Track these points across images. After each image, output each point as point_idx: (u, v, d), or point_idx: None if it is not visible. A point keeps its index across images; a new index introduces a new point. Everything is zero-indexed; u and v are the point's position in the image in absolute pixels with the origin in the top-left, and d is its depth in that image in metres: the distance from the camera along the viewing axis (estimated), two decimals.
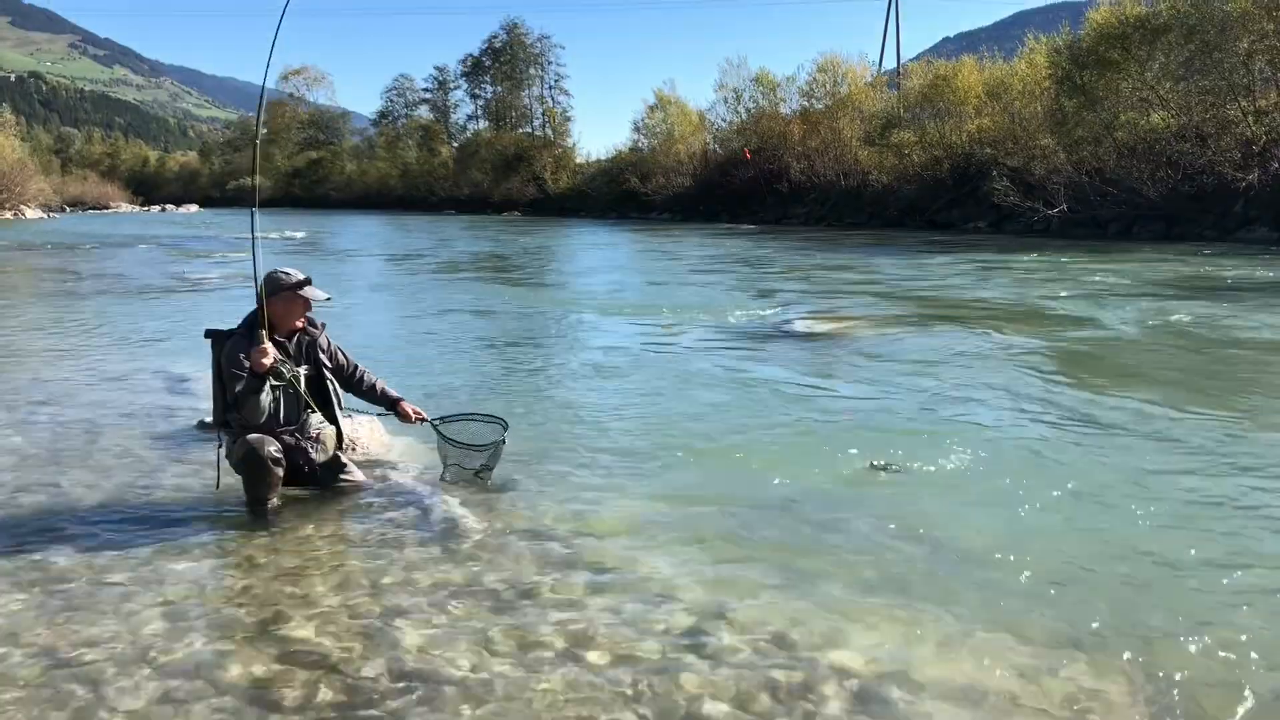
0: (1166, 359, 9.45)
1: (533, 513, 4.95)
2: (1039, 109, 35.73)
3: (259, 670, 3.33)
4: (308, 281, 5.10)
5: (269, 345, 4.84)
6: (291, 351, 5.11)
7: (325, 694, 3.17)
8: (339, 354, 5.38)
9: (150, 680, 3.25)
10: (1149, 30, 30.33)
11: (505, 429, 5.49)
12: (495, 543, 4.56)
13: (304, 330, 5.20)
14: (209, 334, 5.09)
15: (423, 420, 5.48)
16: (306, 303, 5.11)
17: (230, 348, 4.95)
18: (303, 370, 5.11)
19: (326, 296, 5.15)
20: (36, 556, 4.37)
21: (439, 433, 5.42)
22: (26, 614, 3.79)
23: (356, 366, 5.46)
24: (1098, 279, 17.20)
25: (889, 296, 15.54)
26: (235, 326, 5.09)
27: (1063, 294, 15.00)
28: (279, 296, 5.02)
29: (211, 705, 3.09)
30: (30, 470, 5.77)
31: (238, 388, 4.85)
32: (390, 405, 5.50)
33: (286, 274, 5.06)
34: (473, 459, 5.35)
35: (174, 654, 3.44)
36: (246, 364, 4.83)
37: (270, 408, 4.91)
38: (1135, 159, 30.20)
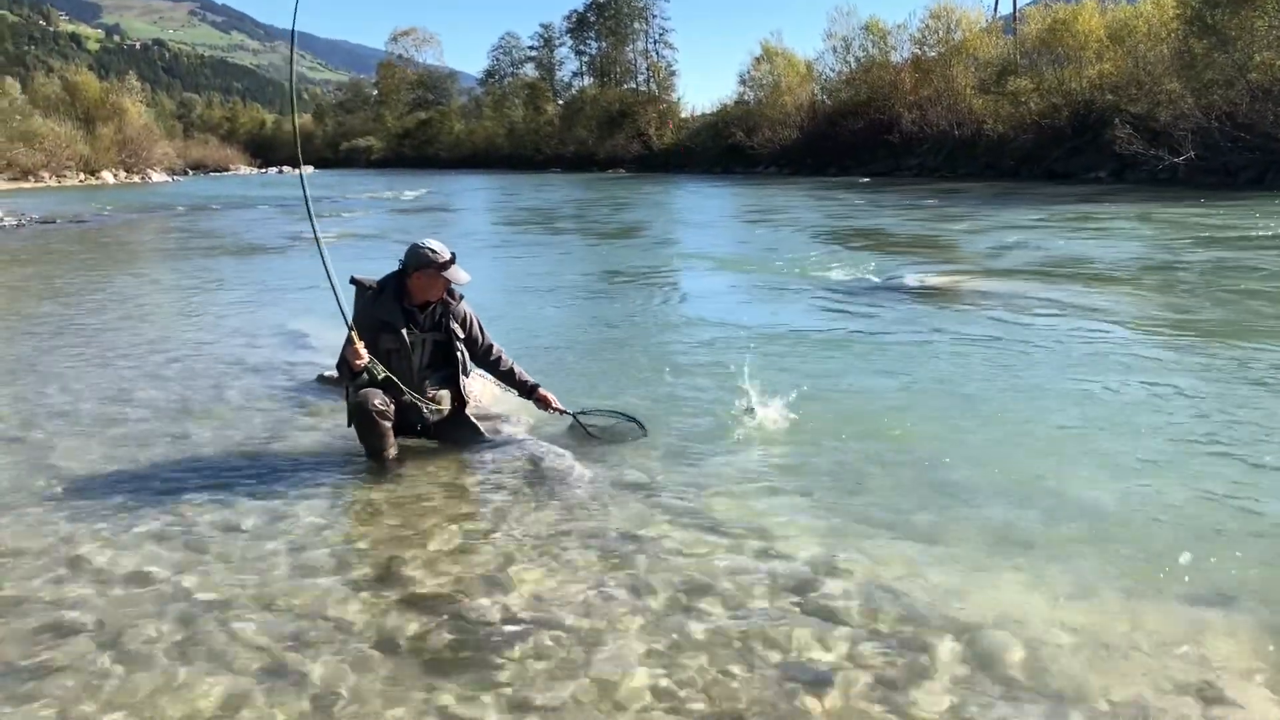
0: None
1: (644, 465, 4.98)
2: (1165, 51, 34.18)
3: (380, 613, 3.43)
4: (452, 261, 5.12)
5: (360, 347, 4.88)
6: (420, 319, 5.18)
7: (442, 636, 3.24)
8: (475, 327, 5.39)
9: (278, 622, 3.37)
10: None
11: (645, 432, 5.47)
12: (607, 493, 4.60)
13: (441, 300, 5.25)
14: (353, 281, 5.20)
15: (562, 412, 5.50)
16: (446, 282, 5.17)
17: (359, 309, 5.07)
18: (429, 336, 5.17)
19: (468, 278, 5.19)
20: (167, 503, 4.56)
21: (581, 425, 5.47)
22: (160, 558, 3.96)
23: (493, 346, 5.47)
24: (1230, 230, 16.44)
25: (1005, 251, 15.13)
26: (378, 281, 5.18)
27: (1191, 245, 14.39)
28: (423, 272, 5.09)
29: (336, 645, 3.19)
30: (161, 421, 6.02)
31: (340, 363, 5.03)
32: (527, 392, 5.51)
33: (434, 252, 5.08)
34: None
35: (300, 597, 3.56)
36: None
37: (369, 384, 4.99)
38: (1270, 102, 28.67)
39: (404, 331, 5.09)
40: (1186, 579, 3.55)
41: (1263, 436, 5.20)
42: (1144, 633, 3.18)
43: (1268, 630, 3.18)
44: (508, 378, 5.55)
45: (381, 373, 4.95)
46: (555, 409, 5.49)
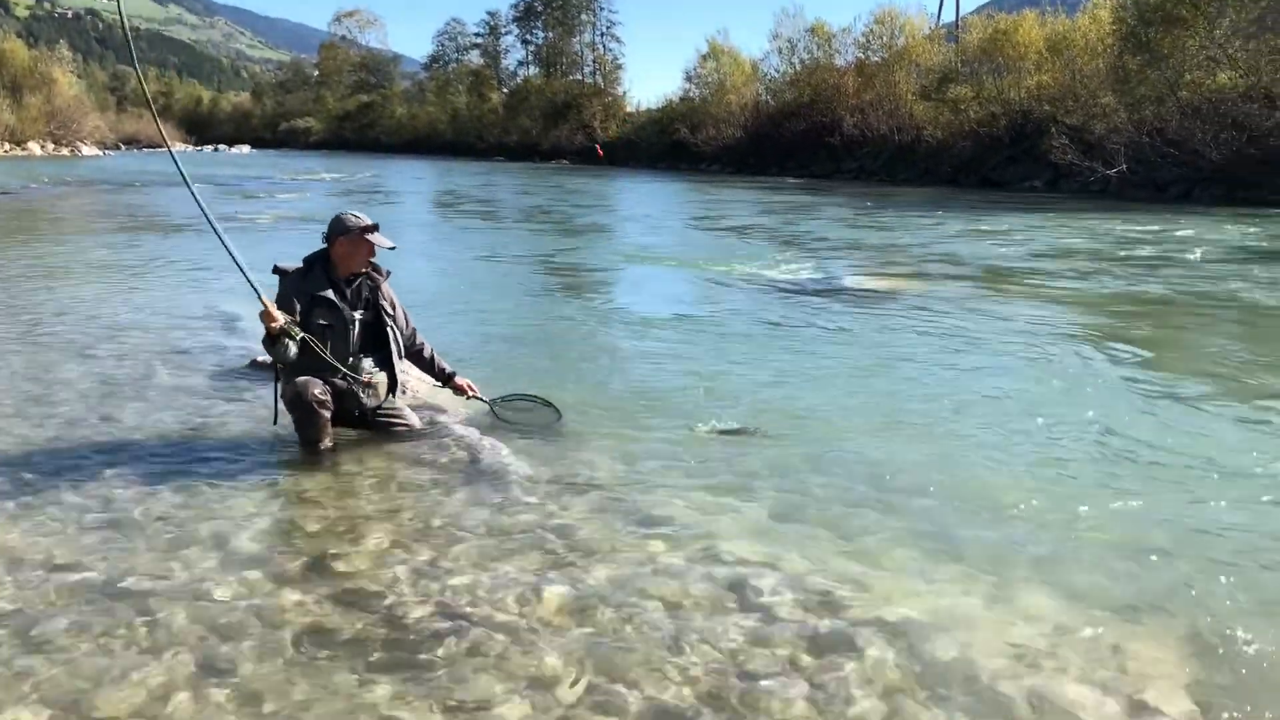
0: (1235, 331, 9.25)
1: (579, 462, 4.96)
2: (1101, 66, 34.86)
3: (311, 606, 3.37)
4: (375, 227, 5.09)
5: (273, 308, 4.77)
6: (348, 294, 5.11)
7: (375, 632, 3.20)
8: (401, 312, 5.35)
9: (205, 612, 3.30)
10: None
11: (559, 416, 5.55)
12: (542, 490, 4.57)
13: (367, 275, 5.19)
14: (276, 270, 5.12)
15: (477, 398, 5.55)
16: (371, 247, 5.10)
17: (281, 289, 4.99)
18: (358, 314, 5.11)
19: (391, 245, 5.14)
20: (93, 488, 4.45)
21: (495, 413, 5.53)
22: (84, 544, 3.86)
23: (415, 331, 5.45)
24: (1159, 243, 16.85)
25: (940, 256, 15.34)
26: (304, 259, 5.12)
27: (1123, 257, 14.73)
28: (345, 237, 5.03)
29: (264, 639, 3.13)
30: (88, 403, 5.88)
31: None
32: (445, 379, 5.56)
33: (355, 217, 5.07)
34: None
35: (228, 587, 3.49)
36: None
37: (293, 357, 4.87)
38: (1199, 120, 29.40)
39: (336, 301, 5.00)
40: (1116, 585, 3.63)
41: (1195, 442, 5.32)
42: (1073, 638, 3.24)
43: (1193, 638, 3.25)
44: (427, 365, 5.56)
45: (299, 334, 4.82)
46: (472, 395, 5.54)
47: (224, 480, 4.59)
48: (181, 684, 2.87)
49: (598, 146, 51.31)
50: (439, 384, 5.62)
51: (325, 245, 5.09)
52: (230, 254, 4.95)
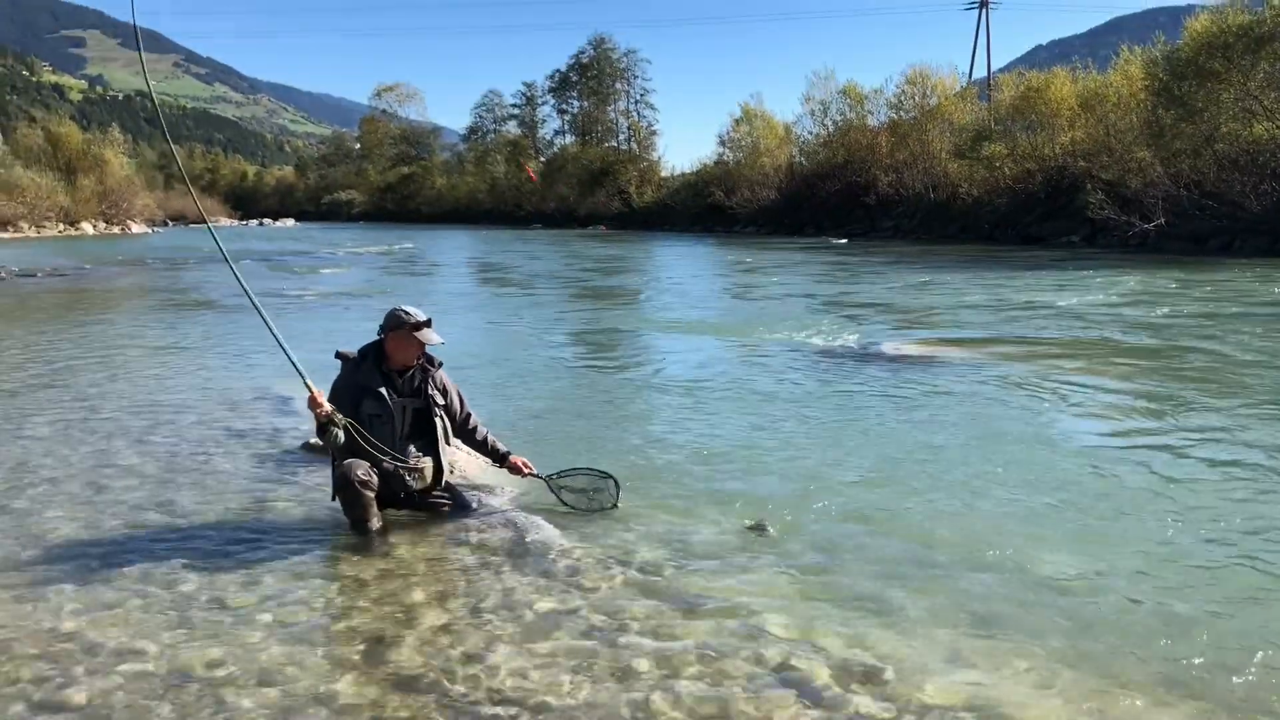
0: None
1: (625, 540, 5.08)
2: (1135, 120, 34.98)
3: (368, 691, 3.50)
4: (427, 324, 5.29)
5: (320, 395, 5.02)
6: (399, 384, 5.30)
7: (430, 715, 3.32)
8: (454, 396, 5.51)
9: (268, 698, 3.44)
10: (1252, 39, 29.49)
11: (618, 488, 5.61)
12: (589, 569, 4.69)
13: (420, 366, 5.39)
14: (338, 355, 5.40)
15: (533, 475, 5.63)
16: (421, 345, 5.31)
17: (337, 378, 5.22)
18: (408, 403, 5.29)
19: (441, 341, 5.34)
20: (157, 574, 4.62)
21: (552, 489, 5.60)
22: (150, 631, 4.02)
23: (470, 415, 5.60)
24: (1199, 298, 16.78)
25: (979, 317, 15.38)
26: (359, 350, 5.37)
27: (1164, 312, 14.70)
28: (396, 334, 5.25)
29: None
30: (148, 490, 6.08)
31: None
32: (500, 459, 5.65)
33: (407, 314, 5.27)
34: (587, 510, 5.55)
35: (288, 673, 3.63)
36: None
37: (340, 444, 5.07)
38: (1237, 171, 29.39)
39: (385, 393, 5.20)
40: (1155, 664, 3.68)
41: (1253, 517, 5.35)
42: (1105, 714, 3.29)
43: (1233, 712, 3.30)
44: (481, 447, 5.67)
45: (343, 421, 5.02)
46: (528, 473, 5.62)
47: (281, 565, 4.75)
48: None
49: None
50: (495, 464, 5.72)
51: (380, 336, 5.29)
52: (278, 341, 5.24)
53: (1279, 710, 3.32)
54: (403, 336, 5.26)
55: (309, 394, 5.02)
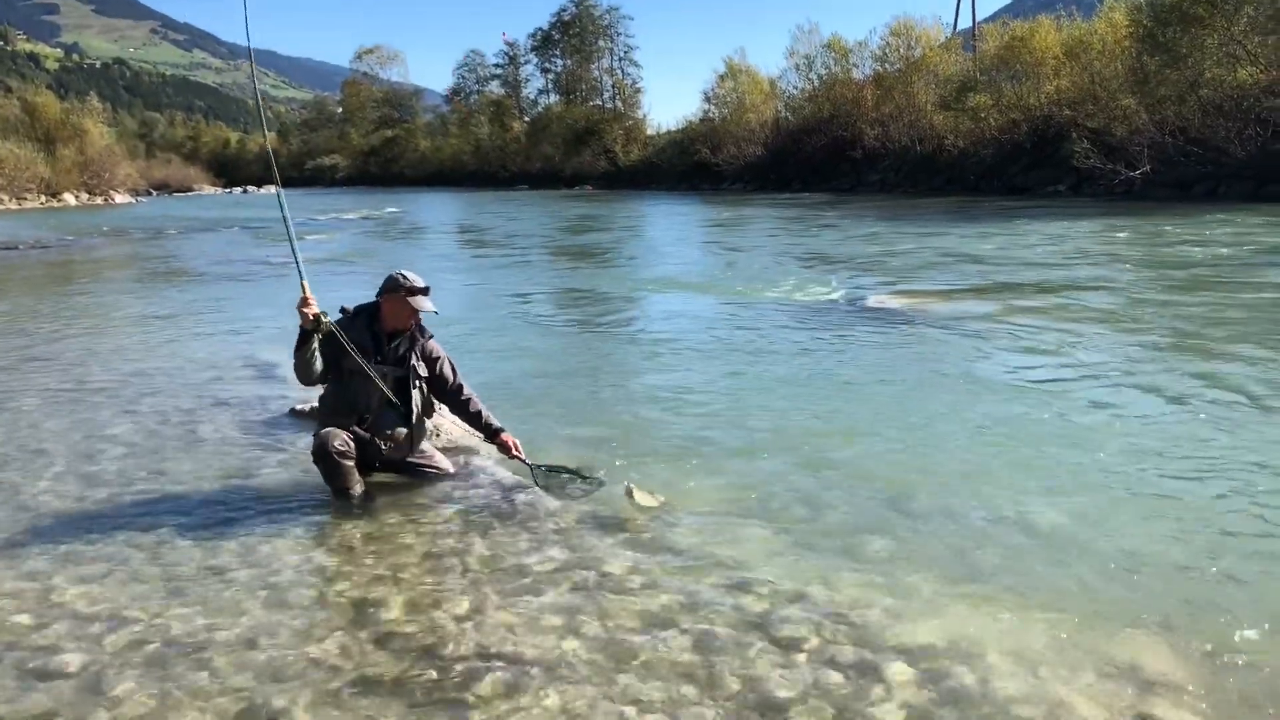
0: (1270, 331, 9.29)
1: (606, 498, 5.12)
2: (1119, 68, 34.91)
3: (356, 651, 3.55)
4: (424, 291, 5.29)
5: (311, 298, 4.99)
6: (385, 349, 5.30)
7: (419, 674, 3.38)
8: (445, 366, 5.45)
9: (257, 660, 3.49)
10: None
11: (601, 486, 5.21)
12: (575, 527, 4.74)
13: (409, 334, 5.36)
14: (342, 310, 5.38)
15: (520, 460, 5.37)
16: (414, 310, 5.30)
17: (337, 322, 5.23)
18: (388, 370, 5.28)
19: (434, 310, 5.32)
20: (146, 542, 4.66)
21: (536, 479, 5.24)
22: (137, 596, 4.06)
23: (463, 387, 5.49)
24: (1184, 244, 16.84)
25: (965, 268, 15.43)
26: (356, 306, 5.37)
27: (1148, 259, 14.75)
28: (392, 296, 5.26)
29: (314, 685, 3.31)
30: (136, 459, 6.11)
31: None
32: (491, 435, 5.48)
33: (405, 278, 5.26)
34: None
35: (277, 635, 3.68)
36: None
37: (314, 367, 5.05)
38: (1222, 117, 29.38)
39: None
40: (1131, 602, 3.75)
41: (1218, 457, 5.42)
42: (1088, 655, 3.37)
43: (1210, 654, 3.37)
44: (474, 420, 5.51)
45: (327, 326, 5.02)
46: (516, 457, 5.40)
47: (269, 530, 4.79)
48: None
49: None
50: (485, 439, 5.57)
51: (377, 299, 5.31)
52: (289, 234, 5.38)
53: (1258, 646, 3.39)
54: (398, 300, 5.25)
55: (302, 294, 5.01)
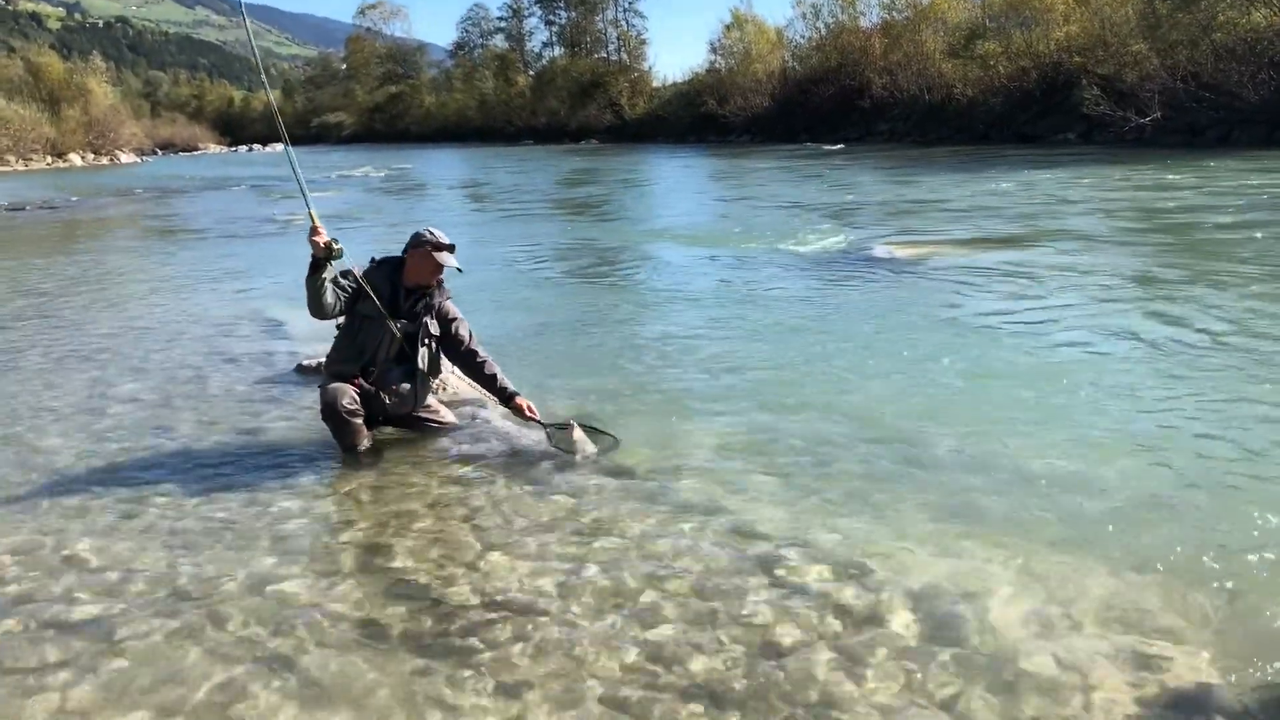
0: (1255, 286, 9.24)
1: (615, 448, 5.14)
2: (1130, 13, 34.40)
3: (364, 600, 3.59)
4: (449, 248, 5.28)
5: (321, 227, 4.95)
6: (402, 304, 5.28)
7: (425, 622, 3.41)
8: (461, 328, 5.40)
9: (266, 609, 3.53)
10: None
11: (617, 443, 5.18)
12: (578, 478, 4.76)
13: (429, 292, 5.33)
14: (372, 259, 5.40)
15: (536, 421, 5.34)
16: (437, 265, 5.28)
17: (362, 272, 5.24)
18: (400, 324, 5.26)
19: (458, 268, 5.30)
20: (154, 497, 4.70)
21: (551, 440, 5.19)
22: (149, 551, 4.11)
23: (477, 350, 5.42)
24: (1195, 189, 16.70)
25: (974, 217, 15.33)
26: (383, 257, 5.39)
27: (1157, 206, 14.64)
28: (417, 251, 5.26)
29: (323, 633, 3.35)
30: (144, 414, 6.15)
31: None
32: (506, 399, 5.40)
33: (431, 233, 5.27)
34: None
35: (286, 585, 3.72)
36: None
37: (328, 299, 5.03)
38: (1235, 61, 28.97)
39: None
40: (1130, 547, 3.76)
41: (1224, 409, 5.42)
42: (1088, 600, 3.38)
43: (1213, 598, 3.39)
44: (489, 383, 5.42)
45: (340, 254, 4.98)
46: (531, 418, 5.33)
47: (277, 483, 4.83)
48: (248, 679, 3.10)
49: None
50: (500, 402, 5.50)
51: (403, 254, 5.32)
52: (298, 180, 5.44)
53: (1258, 588, 3.41)
54: (423, 254, 5.24)
55: (311, 224, 4.98)
